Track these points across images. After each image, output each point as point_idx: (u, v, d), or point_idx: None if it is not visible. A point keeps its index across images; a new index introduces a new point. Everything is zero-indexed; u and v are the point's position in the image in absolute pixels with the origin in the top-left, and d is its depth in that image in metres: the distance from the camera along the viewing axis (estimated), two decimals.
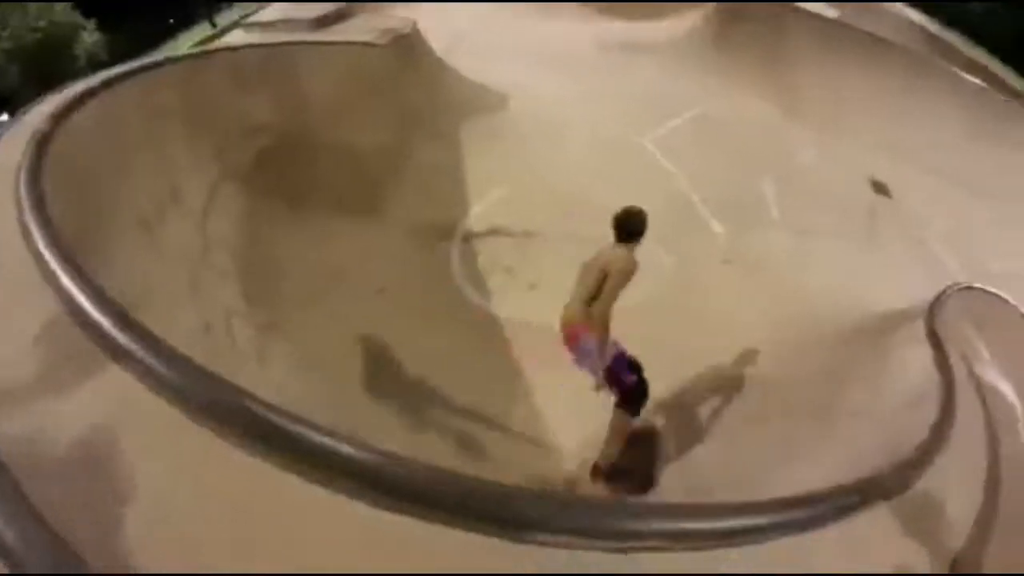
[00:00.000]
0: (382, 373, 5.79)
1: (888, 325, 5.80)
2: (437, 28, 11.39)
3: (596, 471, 5.10)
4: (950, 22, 14.77)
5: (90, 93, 4.85)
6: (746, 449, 5.11)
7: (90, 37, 18.82)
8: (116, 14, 19.79)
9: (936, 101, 9.61)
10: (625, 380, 4.80)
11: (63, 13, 18.15)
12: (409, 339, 6.14)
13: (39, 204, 3.26)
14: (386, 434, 5.13)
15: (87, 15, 18.91)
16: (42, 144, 3.85)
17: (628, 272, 4.58)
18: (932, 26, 14.54)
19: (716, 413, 5.57)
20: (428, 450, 5.14)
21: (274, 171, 6.77)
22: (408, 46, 9.58)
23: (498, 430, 5.54)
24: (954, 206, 8.40)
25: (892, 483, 2.82)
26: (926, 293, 5.72)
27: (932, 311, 5.08)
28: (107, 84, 5.14)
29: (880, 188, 8.63)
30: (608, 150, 9.64)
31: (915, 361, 4.54)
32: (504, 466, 5.13)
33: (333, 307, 6.17)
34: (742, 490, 4.34)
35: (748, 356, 6.14)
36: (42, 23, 17.27)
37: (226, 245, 5.76)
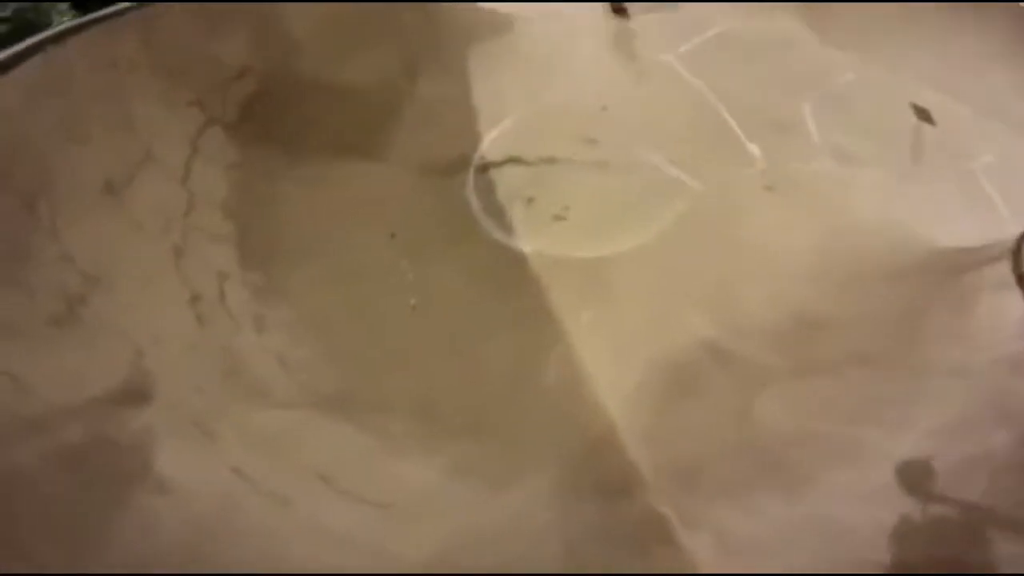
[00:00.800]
0: (396, 329, 5.27)
1: (958, 265, 5.14)
2: None
3: None
4: None
5: (33, 49, 4.30)
6: (814, 405, 4.49)
7: (63, 18, 18.14)
8: None
9: (980, 25, 8.47)
10: None
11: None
12: (425, 286, 5.60)
13: None
14: (401, 398, 4.70)
15: None
16: None
17: None
18: None
19: (773, 358, 4.88)
20: (449, 414, 4.67)
21: (263, 118, 6.14)
22: None
23: (528, 383, 4.97)
24: (1000, 140, 7.40)
25: None
26: (981, 230, 5.23)
27: (1019, 254, 4.34)
28: (55, 39, 4.57)
29: (923, 114, 7.69)
30: (628, 68, 8.61)
31: (1009, 312, 3.97)
32: (539, 427, 4.63)
33: (339, 260, 5.62)
34: (822, 463, 3.80)
35: (800, 290, 5.42)
36: (7, 12, 16.65)
37: (213, 202, 5.22)
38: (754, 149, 7.28)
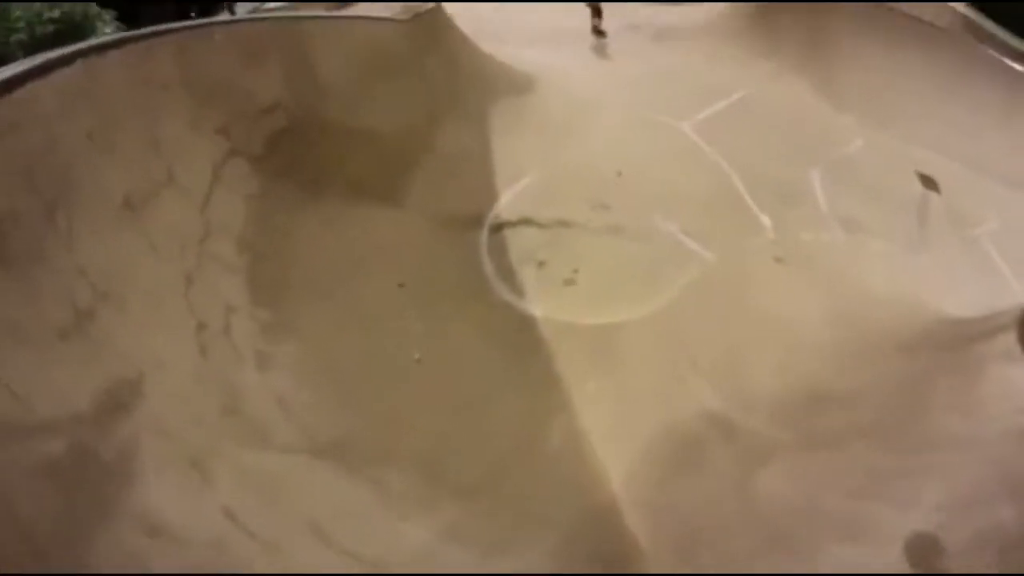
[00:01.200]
0: (401, 381, 5.13)
1: (966, 335, 5.18)
2: (460, 12, 10.74)
3: None
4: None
5: (75, 55, 4.22)
6: (820, 480, 4.37)
7: (108, 28, 18.37)
8: (134, 4, 19.42)
9: (980, 91, 8.88)
10: None
11: (81, 5, 17.70)
12: (432, 340, 5.50)
13: None
14: (403, 452, 4.52)
15: (104, 4, 18.47)
16: None
17: None
18: (970, 12, 14.15)
19: (779, 432, 4.83)
20: (451, 473, 4.50)
21: (288, 153, 6.11)
22: (430, 23, 8.96)
23: (532, 448, 4.84)
24: (1003, 204, 7.67)
25: None
26: (988, 298, 5.32)
27: None
28: (97, 49, 4.52)
29: (928, 183, 7.88)
30: (645, 135, 8.91)
31: (1016, 382, 3.93)
32: (539, 493, 4.46)
33: (347, 305, 5.51)
34: (827, 538, 3.65)
35: (808, 362, 5.41)
36: (56, 14, 16.83)
37: (229, 232, 5.12)
38: (765, 219, 7.42)
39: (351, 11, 9.08)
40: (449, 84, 8.56)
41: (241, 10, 20.04)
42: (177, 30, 5.20)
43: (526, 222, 7.12)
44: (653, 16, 13.45)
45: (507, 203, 7.40)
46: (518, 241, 6.91)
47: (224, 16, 19.77)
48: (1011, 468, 3.47)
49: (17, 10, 16.56)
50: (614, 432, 4.95)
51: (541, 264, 6.62)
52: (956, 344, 5.19)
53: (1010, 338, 4.30)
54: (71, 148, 3.88)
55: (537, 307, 6.14)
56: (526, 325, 5.96)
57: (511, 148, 8.17)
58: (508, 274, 6.51)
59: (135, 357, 3.55)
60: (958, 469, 3.81)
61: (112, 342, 3.45)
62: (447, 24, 9.57)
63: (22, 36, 16.58)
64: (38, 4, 16.62)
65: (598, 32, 12.54)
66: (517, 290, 6.34)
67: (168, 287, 4.21)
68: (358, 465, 4.25)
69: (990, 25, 13.34)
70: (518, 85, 9.53)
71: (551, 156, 8.16)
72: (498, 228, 7.04)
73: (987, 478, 3.60)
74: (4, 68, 3.69)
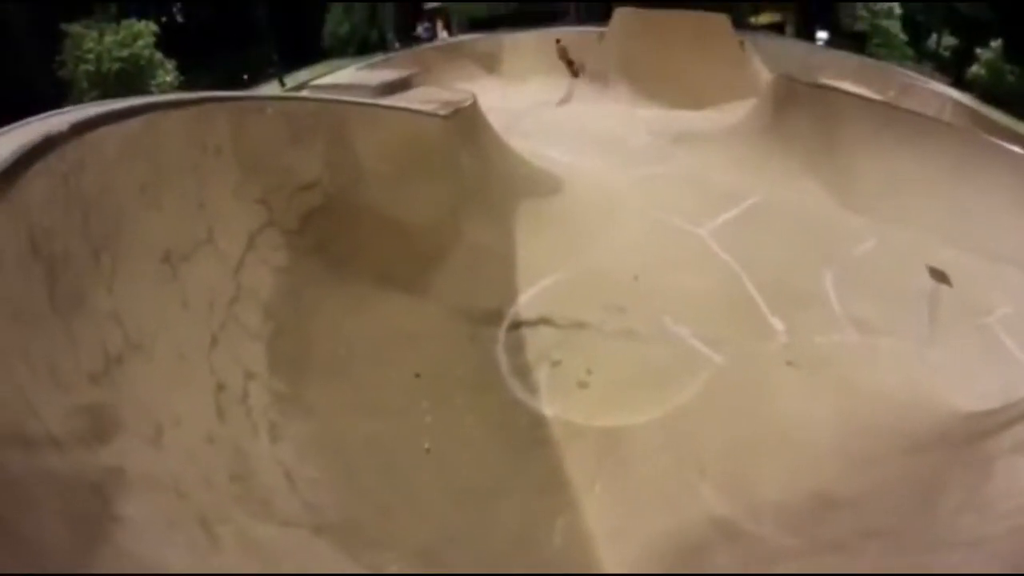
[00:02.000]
0: (408, 468, 5.02)
1: (977, 431, 5.16)
2: (495, 106, 11.20)
3: None
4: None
5: (143, 109, 4.38)
6: None
7: (167, 76, 19.18)
8: (194, 59, 20.43)
9: (987, 178, 9.40)
10: None
11: (146, 48, 18.57)
12: (442, 432, 5.42)
13: None
14: (403, 539, 4.39)
15: (168, 55, 19.39)
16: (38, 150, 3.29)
17: None
18: (971, 101, 14.93)
19: (785, 538, 4.70)
20: (450, 565, 4.30)
21: (320, 231, 6.22)
22: (467, 119, 9.27)
23: (533, 546, 4.70)
24: (1016, 288, 7.93)
25: None
26: (1002, 387, 5.37)
27: None
28: (162, 106, 4.69)
29: (939, 276, 8.01)
30: (662, 239, 9.18)
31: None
32: None
33: (362, 387, 5.48)
34: None
35: (818, 466, 5.34)
36: (125, 53, 17.69)
37: (257, 299, 5.13)
38: (777, 323, 7.46)
39: (393, 100, 9.47)
40: (479, 181, 8.80)
41: (292, 80, 21.16)
42: (234, 99, 5.41)
43: (544, 321, 7.15)
44: (675, 120, 14.07)
45: (526, 302, 7.46)
46: (535, 340, 6.91)
47: (274, 84, 20.70)
48: (1021, 565, 3.31)
49: (90, 42, 17.42)
50: (617, 534, 4.84)
51: (555, 364, 6.61)
52: (969, 440, 5.16)
53: (1021, 431, 4.29)
54: (124, 197, 3.95)
55: (549, 407, 6.07)
56: (537, 424, 5.89)
57: (534, 248, 8.32)
58: (523, 372, 6.48)
59: (155, 410, 3.48)
60: (968, 568, 3.67)
61: (136, 392, 3.38)
62: (482, 122, 9.93)
63: (90, 67, 17.39)
64: (109, 40, 17.52)
65: (574, 75, 13.74)
66: (530, 388, 6.29)
67: (194, 345, 4.19)
68: (358, 548, 4.12)
69: (992, 112, 14.07)
70: (544, 186, 9.83)
71: (571, 258, 8.31)
72: (516, 326, 7.07)
73: None
74: (78, 108, 3.82)
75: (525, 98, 14.36)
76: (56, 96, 16.69)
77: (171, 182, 4.49)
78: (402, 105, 8.77)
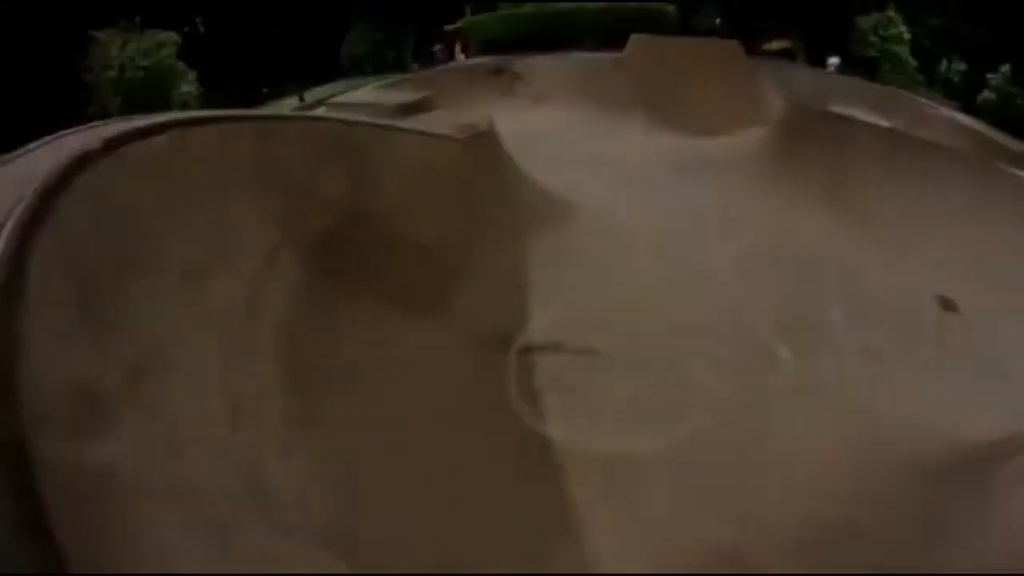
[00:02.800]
0: (417, 489, 5.03)
1: (981, 461, 5.23)
2: (511, 131, 11.29)
3: None
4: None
5: (170, 125, 4.48)
6: None
7: (188, 87, 19.47)
8: (216, 71, 20.79)
9: (1002, 209, 9.36)
10: None
11: (169, 59, 18.88)
12: (450, 454, 5.44)
13: None
14: (407, 559, 4.34)
15: (190, 66, 19.68)
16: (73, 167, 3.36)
17: None
18: (981, 127, 14.96)
19: (789, 565, 4.69)
20: None
21: (338, 251, 6.27)
22: (484, 144, 9.35)
23: (536, 570, 4.67)
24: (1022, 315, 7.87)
25: None
26: (1006, 416, 5.42)
27: None
28: (187, 122, 4.78)
29: (947, 304, 8.00)
30: (674, 269, 9.16)
31: None
32: None
33: (372, 406, 5.50)
34: None
35: (825, 496, 5.38)
36: (147, 62, 18.01)
37: (272, 317, 5.17)
38: (785, 353, 7.45)
39: (410, 122, 9.57)
40: (494, 206, 8.87)
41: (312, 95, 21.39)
42: (258, 117, 5.51)
43: (554, 348, 7.20)
44: (690, 148, 14.09)
45: (538, 328, 7.50)
46: (545, 366, 6.95)
47: (293, 99, 20.97)
48: None
49: (115, 49, 17.75)
50: (621, 561, 4.85)
51: (565, 390, 6.64)
52: (971, 471, 5.22)
53: None
54: (146, 212, 4.02)
55: (557, 432, 6.10)
56: (545, 449, 5.91)
57: (546, 274, 8.39)
58: (532, 398, 6.52)
59: (175, 424, 3.53)
60: None
61: (157, 407, 3.44)
62: (498, 147, 10.00)
63: (114, 74, 17.69)
64: (132, 47, 17.84)
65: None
66: (539, 414, 6.32)
67: (210, 359, 4.23)
68: (367, 565, 4.13)
69: (1005, 139, 14.04)
70: (557, 212, 9.88)
71: (583, 285, 8.37)
72: (527, 351, 7.12)
73: None
74: (107, 123, 3.91)
75: (541, 123, 14.40)
76: (81, 102, 16.96)
77: (193, 199, 4.56)
78: (420, 128, 8.85)
